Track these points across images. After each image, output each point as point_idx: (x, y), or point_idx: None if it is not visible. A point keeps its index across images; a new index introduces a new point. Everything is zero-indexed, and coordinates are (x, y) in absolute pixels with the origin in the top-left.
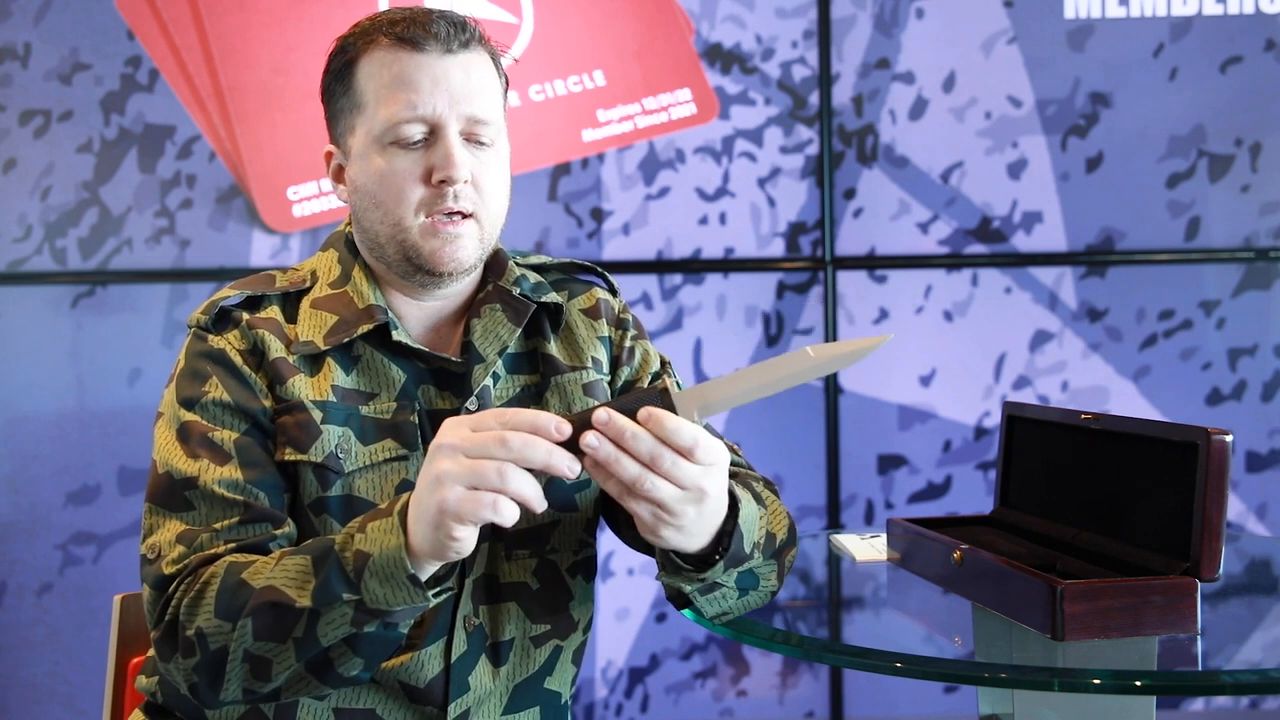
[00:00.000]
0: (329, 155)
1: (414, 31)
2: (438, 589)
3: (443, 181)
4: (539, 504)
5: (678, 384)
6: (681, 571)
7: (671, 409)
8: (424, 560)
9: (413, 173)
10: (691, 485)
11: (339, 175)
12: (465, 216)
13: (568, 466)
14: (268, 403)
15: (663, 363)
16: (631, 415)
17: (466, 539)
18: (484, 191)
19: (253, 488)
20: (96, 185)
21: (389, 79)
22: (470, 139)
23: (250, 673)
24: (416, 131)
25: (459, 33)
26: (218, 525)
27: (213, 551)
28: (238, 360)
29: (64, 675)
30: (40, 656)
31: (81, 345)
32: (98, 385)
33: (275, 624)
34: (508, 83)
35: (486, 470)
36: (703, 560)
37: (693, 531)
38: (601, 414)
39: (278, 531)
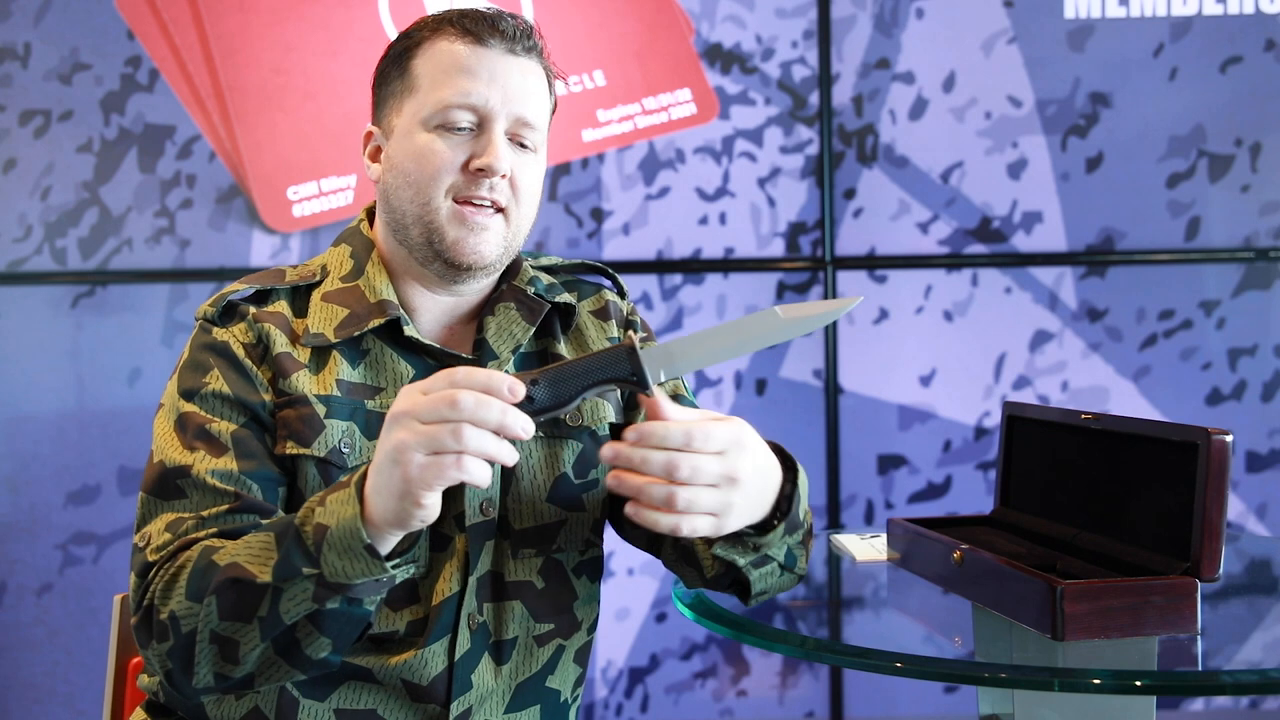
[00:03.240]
0: (368, 135)
1: (481, 27)
2: (399, 561)
3: (480, 171)
4: (507, 457)
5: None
6: (741, 539)
7: (639, 366)
8: (384, 531)
9: (452, 158)
10: (717, 477)
11: (375, 155)
12: (496, 210)
13: (522, 428)
14: (268, 397)
15: None
16: (601, 377)
17: (433, 506)
18: (519, 192)
19: (246, 479)
20: (96, 185)
21: (448, 64)
22: (514, 139)
23: (219, 655)
24: (465, 119)
25: (524, 38)
26: (205, 513)
27: (194, 537)
28: (240, 353)
29: (64, 675)
30: (40, 656)
31: (81, 345)
32: (98, 385)
33: (239, 602)
34: (556, 106)
35: (441, 434)
36: (761, 527)
37: (744, 512)
38: (608, 451)
39: (265, 523)
